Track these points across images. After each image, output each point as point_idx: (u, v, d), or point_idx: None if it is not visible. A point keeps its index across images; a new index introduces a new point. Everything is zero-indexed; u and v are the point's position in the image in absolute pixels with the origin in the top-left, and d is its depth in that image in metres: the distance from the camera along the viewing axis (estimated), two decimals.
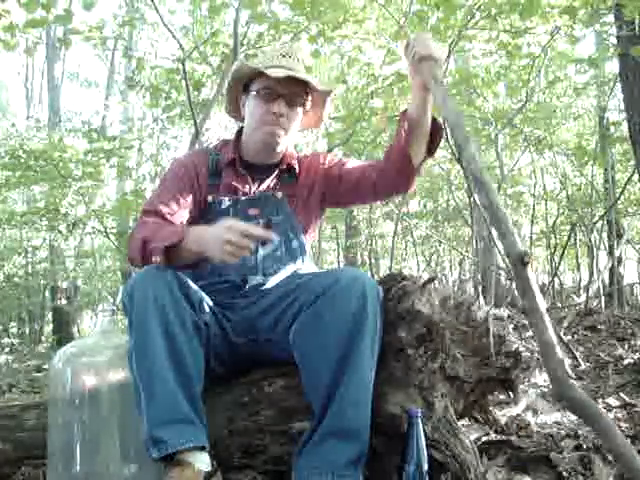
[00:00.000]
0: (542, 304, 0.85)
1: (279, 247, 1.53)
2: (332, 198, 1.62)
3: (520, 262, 0.83)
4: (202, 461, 1.19)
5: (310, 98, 1.55)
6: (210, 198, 1.52)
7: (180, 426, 1.20)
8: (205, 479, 1.19)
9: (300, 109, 1.52)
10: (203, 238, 1.28)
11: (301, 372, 1.29)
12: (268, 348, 1.40)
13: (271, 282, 1.50)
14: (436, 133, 1.44)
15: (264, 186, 1.56)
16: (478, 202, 0.93)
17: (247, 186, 1.55)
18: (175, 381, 1.21)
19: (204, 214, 1.52)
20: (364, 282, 1.25)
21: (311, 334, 1.26)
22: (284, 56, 1.51)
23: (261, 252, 1.50)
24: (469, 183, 4.27)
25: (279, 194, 1.56)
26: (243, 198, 1.52)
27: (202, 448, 1.20)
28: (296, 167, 1.59)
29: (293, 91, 1.49)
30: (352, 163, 1.61)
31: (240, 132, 1.61)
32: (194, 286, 1.33)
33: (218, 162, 1.56)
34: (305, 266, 1.58)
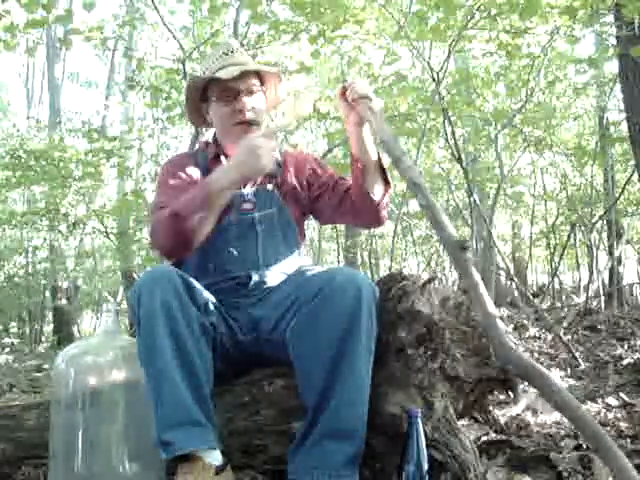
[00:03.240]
0: (480, 281, 0.93)
1: (276, 239, 1.54)
2: (316, 204, 1.64)
3: (460, 248, 0.94)
4: (212, 456, 1.20)
5: (265, 83, 1.60)
6: None
7: (188, 428, 1.20)
8: (215, 473, 1.20)
9: (260, 93, 1.57)
10: (235, 166, 1.34)
11: (296, 371, 1.29)
12: (271, 348, 1.41)
13: (274, 278, 1.51)
14: (383, 165, 1.52)
15: (253, 180, 1.58)
16: (421, 204, 1.01)
17: None
18: (183, 383, 1.22)
19: None
20: (359, 282, 1.25)
21: (306, 334, 1.26)
22: (226, 54, 1.55)
23: (260, 246, 1.52)
24: (469, 183, 4.28)
25: (269, 186, 1.58)
26: (236, 193, 1.53)
27: (212, 448, 1.21)
28: (279, 157, 1.62)
29: (249, 83, 1.52)
30: (335, 179, 1.63)
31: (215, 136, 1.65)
32: (200, 287, 1.33)
33: (205, 159, 1.60)
34: (301, 259, 1.60)
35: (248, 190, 1.56)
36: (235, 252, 1.51)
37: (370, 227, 1.74)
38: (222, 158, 1.59)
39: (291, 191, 1.61)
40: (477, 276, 0.92)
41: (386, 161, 1.51)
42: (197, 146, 1.72)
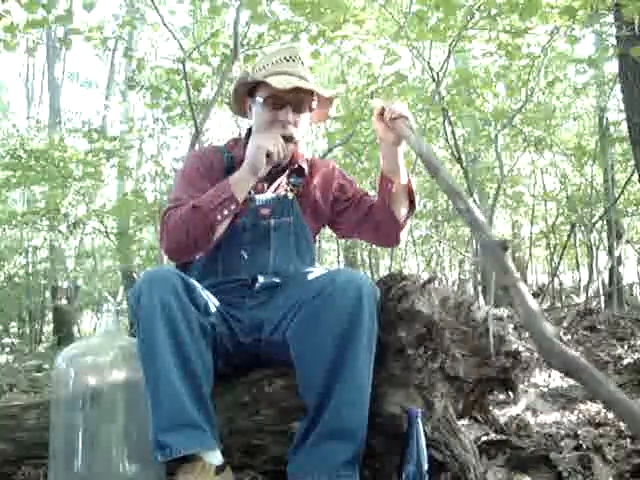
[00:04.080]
0: (519, 278, 0.94)
1: (290, 247, 1.54)
2: (338, 218, 1.64)
3: (502, 248, 0.97)
4: (212, 457, 1.21)
5: (316, 100, 1.55)
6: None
7: (186, 430, 1.20)
8: (215, 473, 1.20)
9: (307, 114, 1.53)
10: (248, 167, 1.39)
11: (296, 371, 1.29)
12: (272, 349, 1.41)
13: (280, 282, 1.51)
14: (412, 187, 1.55)
15: (275, 185, 1.57)
16: (458, 208, 1.06)
17: (259, 184, 1.54)
18: (182, 384, 1.22)
19: None
20: (360, 282, 1.25)
21: (306, 334, 1.26)
22: (287, 60, 1.51)
23: (272, 252, 1.51)
24: (469, 183, 4.28)
25: (290, 194, 1.57)
26: (256, 198, 1.52)
27: (211, 449, 1.21)
28: (305, 167, 1.60)
29: (299, 98, 1.48)
30: (360, 194, 1.64)
31: (250, 131, 1.60)
32: (200, 288, 1.33)
33: (232, 160, 1.56)
34: (313, 268, 1.59)
35: (268, 196, 1.54)
36: (246, 256, 1.50)
37: (387, 246, 1.78)
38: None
39: (312, 204, 1.60)
40: (517, 274, 0.96)
41: (414, 184, 1.55)
42: (226, 141, 1.69)
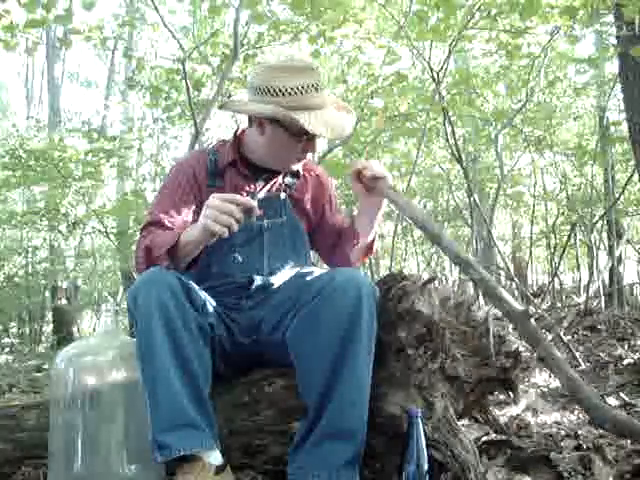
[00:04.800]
0: (552, 346, 0.90)
1: (284, 247, 1.54)
2: (315, 227, 1.67)
3: (525, 317, 0.91)
4: (212, 457, 1.21)
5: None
6: None
7: (185, 430, 1.20)
8: (215, 473, 1.19)
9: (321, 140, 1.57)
10: (197, 223, 1.29)
11: (296, 371, 1.29)
12: (271, 349, 1.41)
13: (277, 282, 1.51)
14: (373, 245, 1.64)
15: (268, 187, 1.56)
16: (472, 278, 0.97)
17: (252, 186, 1.54)
18: (181, 384, 1.21)
19: None
20: (359, 282, 1.25)
21: (306, 334, 1.26)
22: (315, 89, 1.40)
23: (266, 253, 1.51)
24: (469, 183, 4.27)
25: (282, 195, 1.56)
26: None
27: (210, 449, 1.21)
28: (300, 170, 1.60)
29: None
30: (334, 223, 1.68)
31: (239, 133, 1.58)
32: (198, 289, 1.33)
33: (217, 163, 1.54)
34: (310, 268, 1.59)
35: (260, 197, 1.53)
36: (240, 258, 1.49)
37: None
38: (241, 168, 1.54)
39: (303, 205, 1.61)
40: (549, 342, 0.92)
41: (376, 238, 1.63)
42: (214, 144, 1.65)
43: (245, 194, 1.51)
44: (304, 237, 1.59)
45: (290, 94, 1.39)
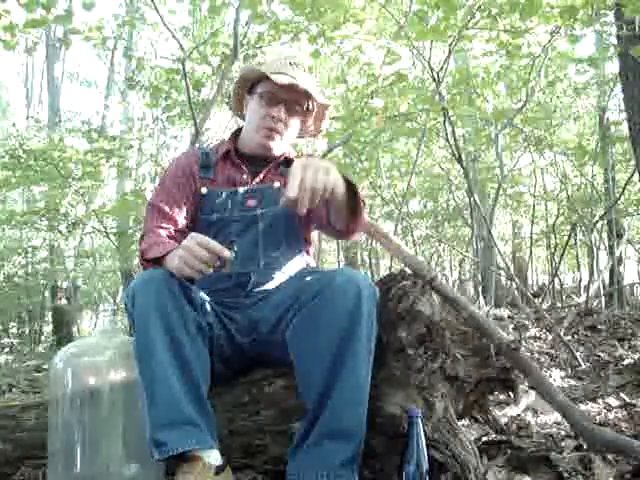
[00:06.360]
0: (542, 375, 0.92)
1: (279, 237, 1.54)
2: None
3: (512, 348, 0.94)
4: (212, 456, 1.20)
5: (310, 108, 1.59)
6: (205, 190, 1.55)
7: (183, 428, 1.20)
8: (215, 473, 1.19)
9: (298, 119, 1.58)
10: (177, 256, 1.27)
11: (296, 371, 1.29)
12: (270, 349, 1.40)
13: (274, 279, 1.51)
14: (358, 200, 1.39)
15: (260, 176, 1.58)
16: (463, 316, 0.97)
17: (244, 175, 1.58)
18: (179, 383, 1.21)
19: (202, 206, 1.55)
20: (359, 282, 1.25)
21: (306, 334, 1.26)
22: (291, 64, 1.56)
23: (261, 243, 1.52)
24: (469, 183, 4.27)
25: (276, 184, 1.57)
26: (241, 190, 1.54)
27: (209, 448, 1.21)
28: (293, 158, 1.61)
29: (294, 98, 1.54)
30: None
31: (237, 132, 1.67)
32: (196, 288, 1.33)
33: (207, 156, 1.60)
34: (305, 259, 1.60)
35: (253, 187, 1.56)
36: (235, 248, 1.50)
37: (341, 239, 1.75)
38: (234, 157, 1.60)
39: None
40: (539, 371, 0.93)
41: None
42: (215, 143, 1.74)
43: (238, 184, 1.56)
44: (299, 226, 1.59)
45: (268, 67, 1.55)
